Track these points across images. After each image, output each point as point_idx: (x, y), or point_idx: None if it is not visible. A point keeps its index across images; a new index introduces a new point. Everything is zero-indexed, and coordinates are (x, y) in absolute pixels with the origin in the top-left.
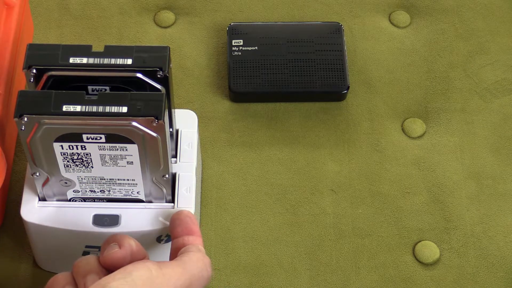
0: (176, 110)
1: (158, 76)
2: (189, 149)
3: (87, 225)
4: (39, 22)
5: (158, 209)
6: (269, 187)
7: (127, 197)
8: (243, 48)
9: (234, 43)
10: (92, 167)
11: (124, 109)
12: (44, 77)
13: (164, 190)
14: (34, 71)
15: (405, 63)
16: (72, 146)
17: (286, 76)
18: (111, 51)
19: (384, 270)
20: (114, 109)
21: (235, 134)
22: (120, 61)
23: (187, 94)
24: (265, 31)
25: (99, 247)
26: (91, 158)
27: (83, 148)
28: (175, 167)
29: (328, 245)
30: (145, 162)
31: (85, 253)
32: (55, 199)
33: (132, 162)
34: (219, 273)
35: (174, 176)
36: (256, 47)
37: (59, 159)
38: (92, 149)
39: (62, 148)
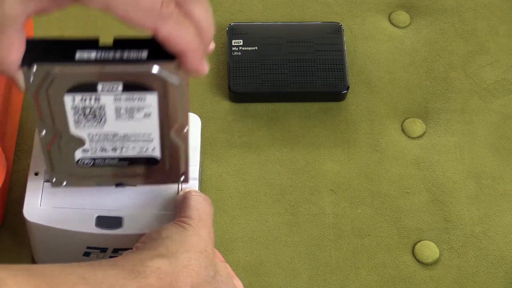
0: None
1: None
2: (193, 153)
3: (90, 226)
4: (39, 22)
5: (162, 213)
6: (268, 187)
7: (141, 155)
8: (243, 48)
9: (234, 43)
10: (105, 121)
11: (145, 54)
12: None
13: (181, 148)
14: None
15: (405, 63)
16: (85, 99)
17: (286, 76)
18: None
19: (383, 270)
20: (133, 54)
21: (235, 135)
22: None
23: None
24: (265, 31)
25: (101, 248)
26: (104, 112)
27: (97, 101)
28: None
29: (328, 245)
30: (163, 113)
31: (86, 254)
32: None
33: (149, 114)
34: None
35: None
36: (256, 47)
37: (70, 113)
38: (106, 100)
39: (74, 101)
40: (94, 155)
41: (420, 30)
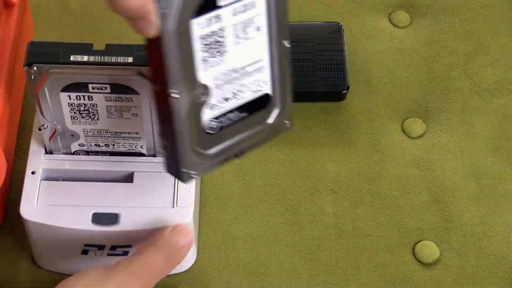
0: None
1: None
2: None
3: (86, 223)
4: (39, 22)
5: (158, 208)
6: (268, 187)
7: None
8: None
9: None
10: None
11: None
12: (45, 75)
13: (286, 69)
14: (35, 68)
15: (405, 63)
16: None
17: None
18: (112, 49)
19: (384, 270)
20: (121, 59)
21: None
22: (121, 59)
23: None
24: None
25: (98, 246)
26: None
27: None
28: None
29: (328, 245)
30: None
31: (84, 252)
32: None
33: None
34: (219, 273)
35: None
36: None
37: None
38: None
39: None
40: (219, 111)
41: (420, 30)
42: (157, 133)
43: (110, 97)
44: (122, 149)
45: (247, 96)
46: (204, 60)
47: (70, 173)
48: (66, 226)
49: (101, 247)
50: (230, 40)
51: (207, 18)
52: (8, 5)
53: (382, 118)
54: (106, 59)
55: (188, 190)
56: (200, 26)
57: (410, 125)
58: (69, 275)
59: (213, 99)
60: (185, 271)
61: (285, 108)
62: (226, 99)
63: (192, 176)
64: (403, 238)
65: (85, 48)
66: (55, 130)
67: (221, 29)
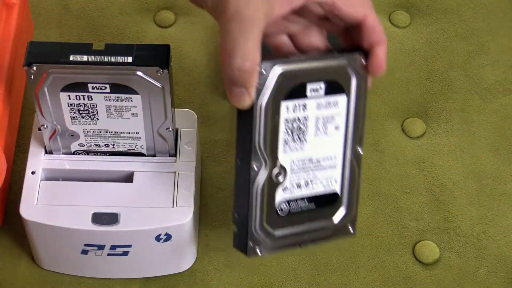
0: (176, 110)
1: (159, 74)
2: (188, 149)
3: (86, 223)
4: (39, 22)
5: (158, 208)
6: None
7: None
8: None
9: None
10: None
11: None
12: (44, 75)
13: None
14: (35, 68)
15: (405, 63)
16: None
17: None
18: (111, 49)
19: (384, 270)
20: (120, 59)
21: (235, 135)
22: (120, 59)
23: (187, 94)
24: None
25: (98, 246)
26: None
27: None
28: (175, 166)
29: (328, 245)
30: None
31: (84, 252)
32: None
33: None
34: (219, 273)
35: (174, 175)
36: None
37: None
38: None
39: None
40: (290, 195)
41: (420, 30)
42: (233, 207)
43: (110, 97)
44: (122, 149)
45: (318, 188)
46: (285, 143)
47: (70, 173)
48: (66, 226)
49: (101, 247)
50: (311, 131)
51: (295, 103)
52: (8, 5)
53: (382, 118)
54: (106, 58)
55: (188, 190)
56: (287, 109)
57: (410, 125)
58: (69, 275)
59: (287, 182)
60: (185, 271)
61: (350, 213)
62: (299, 186)
63: (257, 252)
64: (403, 238)
65: (85, 48)
66: (55, 130)
67: (305, 118)
